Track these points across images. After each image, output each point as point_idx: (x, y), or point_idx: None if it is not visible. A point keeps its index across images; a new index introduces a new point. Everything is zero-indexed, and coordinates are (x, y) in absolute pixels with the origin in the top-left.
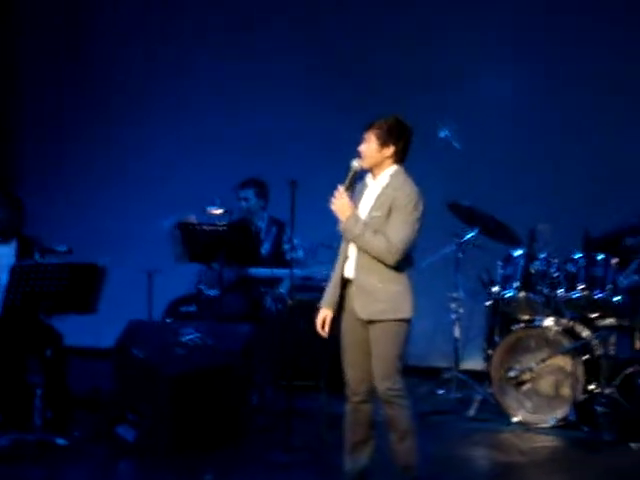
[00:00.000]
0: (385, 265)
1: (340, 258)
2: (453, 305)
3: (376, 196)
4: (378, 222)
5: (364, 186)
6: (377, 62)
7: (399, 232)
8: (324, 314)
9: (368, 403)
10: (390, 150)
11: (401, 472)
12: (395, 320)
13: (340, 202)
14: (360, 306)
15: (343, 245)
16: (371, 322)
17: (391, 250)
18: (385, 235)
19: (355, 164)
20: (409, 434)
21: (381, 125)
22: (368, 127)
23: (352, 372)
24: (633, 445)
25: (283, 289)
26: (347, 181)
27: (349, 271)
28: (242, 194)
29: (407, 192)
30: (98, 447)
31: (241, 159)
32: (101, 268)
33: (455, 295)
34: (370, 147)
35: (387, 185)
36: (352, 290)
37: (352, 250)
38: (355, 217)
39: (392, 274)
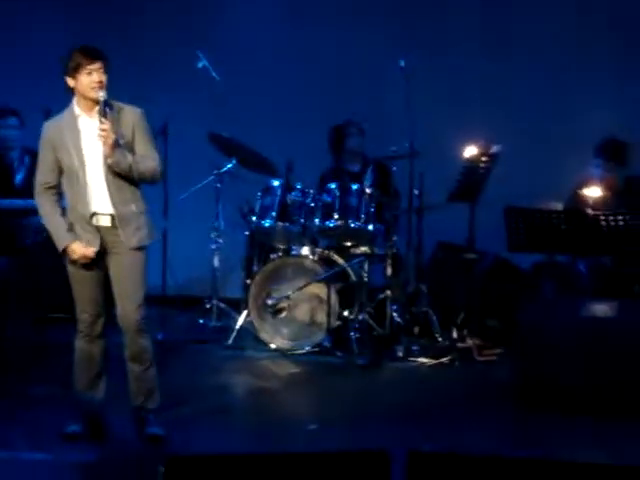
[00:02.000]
0: (135, 191)
1: (77, 193)
2: (213, 235)
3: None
4: (128, 147)
5: (74, 121)
6: None
7: (154, 148)
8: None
9: (103, 338)
10: None
11: (144, 400)
12: (146, 246)
13: (110, 136)
14: (125, 235)
15: (78, 181)
16: (134, 249)
17: (159, 167)
18: (146, 156)
19: (102, 95)
20: (153, 362)
21: (107, 56)
22: (99, 56)
23: (91, 307)
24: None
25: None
26: (103, 113)
27: (97, 205)
28: (8, 122)
29: (140, 112)
30: None
31: None
32: None
33: (215, 225)
34: (105, 77)
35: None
36: (102, 223)
37: (94, 183)
38: (121, 147)
39: (142, 200)
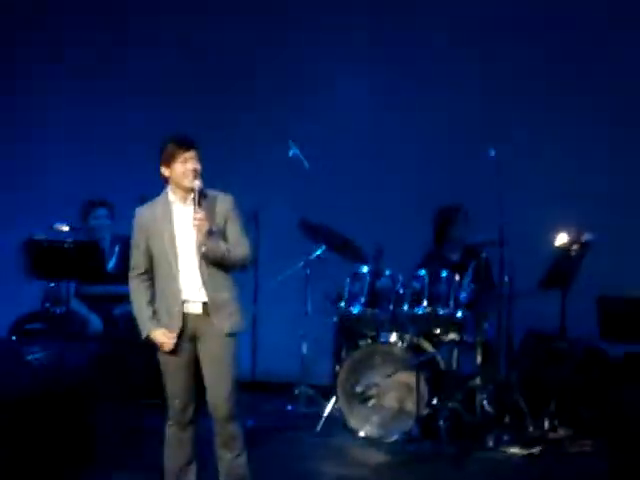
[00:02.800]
0: (227, 278)
1: (168, 282)
2: (301, 321)
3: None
4: (221, 235)
5: (168, 208)
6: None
7: (245, 235)
8: (165, 335)
9: (194, 424)
10: None
11: None
12: (236, 334)
13: (204, 224)
14: (219, 321)
15: (170, 269)
16: (227, 336)
17: (250, 253)
18: (238, 243)
19: (197, 183)
20: (244, 449)
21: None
22: (193, 145)
23: (181, 394)
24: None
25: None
26: (197, 201)
27: (188, 292)
28: (97, 213)
29: (231, 198)
30: None
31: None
32: None
33: (304, 311)
34: (199, 166)
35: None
36: (192, 311)
37: (186, 271)
38: (215, 235)
39: (234, 287)
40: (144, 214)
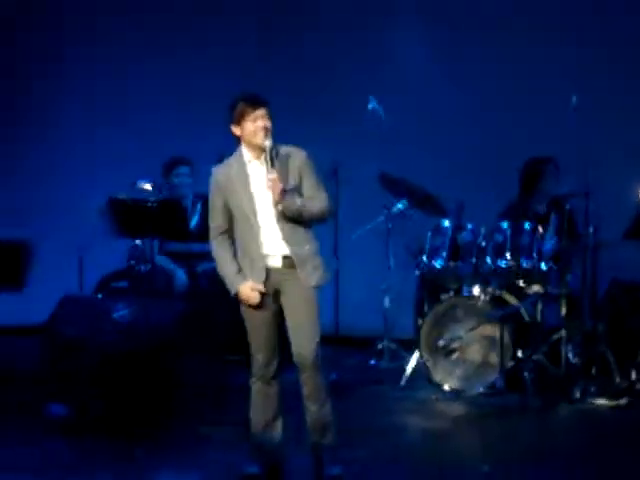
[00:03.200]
0: (308, 232)
1: (251, 238)
2: (383, 275)
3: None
4: (296, 190)
5: (243, 166)
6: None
7: (322, 188)
8: (252, 289)
9: (278, 378)
10: None
11: (320, 438)
12: (319, 286)
13: (277, 183)
14: (305, 274)
15: (250, 226)
16: (310, 288)
17: (330, 206)
18: (315, 197)
19: (268, 143)
20: (328, 399)
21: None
22: (265, 103)
23: (265, 349)
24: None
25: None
26: (269, 161)
27: (269, 247)
28: (179, 171)
29: (304, 153)
30: (30, 425)
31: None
32: (28, 244)
33: (386, 265)
34: (269, 123)
35: (275, 157)
36: (274, 265)
37: (267, 227)
38: (289, 193)
39: (314, 240)
40: (220, 173)
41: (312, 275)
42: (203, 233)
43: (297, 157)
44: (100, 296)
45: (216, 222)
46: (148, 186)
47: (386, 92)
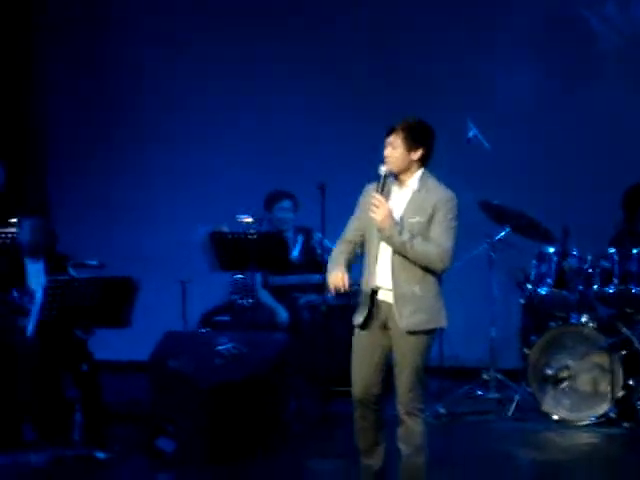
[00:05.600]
0: (424, 273)
1: (369, 265)
2: (487, 304)
3: (408, 201)
4: (419, 228)
5: (389, 192)
6: (395, 64)
7: (447, 237)
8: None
9: (378, 407)
10: (418, 153)
11: None
12: (431, 330)
13: (382, 209)
14: (400, 316)
15: (371, 252)
16: (408, 333)
17: (443, 256)
18: (433, 241)
19: (384, 169)
20: (423, 448)
21: (406, 128)
22: (391, 131)
23: (363, 375)
24: None
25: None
26: (380, 187)
27: (382, 279)
28: (283, 204)
29: (447, 196)
30: (138, 460)
31: (262, 165)
32: (134, 281)
33: (489, 294)
34: (397, 151)
35: (419, 189)
36: (384, 298)
37: (384, 257)
38: (398, 224)
39: (431, 283)
40: (367, 191)
41: (407, 318)
42: (304, 265)
43: (438, 195)
44: (203, 330)
45: (347, 231)
46: (249, 219)
47: (489, 117)
